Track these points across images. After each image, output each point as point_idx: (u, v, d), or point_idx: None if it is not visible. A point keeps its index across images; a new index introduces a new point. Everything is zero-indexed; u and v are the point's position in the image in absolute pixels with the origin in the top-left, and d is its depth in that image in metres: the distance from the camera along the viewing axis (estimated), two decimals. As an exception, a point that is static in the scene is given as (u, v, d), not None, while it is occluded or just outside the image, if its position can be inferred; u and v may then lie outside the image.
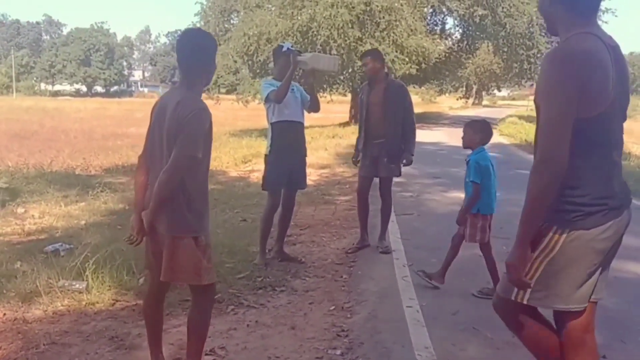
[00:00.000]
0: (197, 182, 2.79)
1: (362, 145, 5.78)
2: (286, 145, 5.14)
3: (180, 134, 2.67)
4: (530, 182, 2.13)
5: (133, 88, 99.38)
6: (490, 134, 4.56)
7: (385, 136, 5.60)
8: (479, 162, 4.40)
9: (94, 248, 4.76)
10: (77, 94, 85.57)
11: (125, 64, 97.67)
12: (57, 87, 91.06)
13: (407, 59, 24.89)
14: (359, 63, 24.79)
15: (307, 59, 5.17)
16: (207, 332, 3.07)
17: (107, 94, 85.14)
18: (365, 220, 5.96)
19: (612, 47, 2.12)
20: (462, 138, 4.57)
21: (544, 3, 2.26)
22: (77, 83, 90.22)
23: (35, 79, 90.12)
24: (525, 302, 2.29)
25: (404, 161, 5.69)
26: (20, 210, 7.11)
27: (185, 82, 2.85)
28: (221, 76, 29.04)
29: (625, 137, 2.32)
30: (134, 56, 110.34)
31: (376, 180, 5.88)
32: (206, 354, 3.40)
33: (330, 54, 23.45)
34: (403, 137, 5.65)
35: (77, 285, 4.25)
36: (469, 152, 4.56)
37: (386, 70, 5.86)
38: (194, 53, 2.84)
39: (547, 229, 2.18)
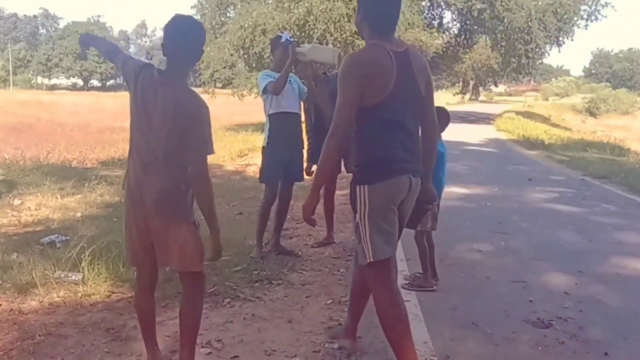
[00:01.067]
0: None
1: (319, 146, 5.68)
2: (283, 137, 5.11)
3: (190, 134, 2.66)
4: (324, 145, 2.82)
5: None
6: (446, 123, 4.51)
7: None
8: (439, 148, 4.37)
9: (90, 240, 4.74)
10: (74, 87, 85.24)
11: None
12: (54, 81, 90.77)
13: (404, 53, 24.77)
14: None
15: (306, 51, 5.12)
16: (200, 324, 3.03)
17: (103, 88, 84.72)
18: (331, 217, 5.99)
19: (398, 53, 2.78)
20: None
21: (357, 18, 2.95)
22: (73, 77, 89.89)
23: (32, 72, 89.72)
24: (372, 259, 2.84)
25: None
26: (16, 202, 7.09)
27: (177, 74, 2.77)
28: (217, 70, 28.96)
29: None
30: (131, 50, 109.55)
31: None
32: (202, 347, 3.39)
33: (327, 43, 23.36)
34: None
35: (73, 277, 4.24)
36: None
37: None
38: (190, 44, 2.76)
39: (354, 189, 2.86)
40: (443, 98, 57.27)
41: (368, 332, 3.67)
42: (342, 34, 23.49)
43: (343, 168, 5.79)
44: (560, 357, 3.41)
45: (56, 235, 5.30)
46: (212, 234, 2.78)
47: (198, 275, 2.91)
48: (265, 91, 5.03)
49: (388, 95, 2.75)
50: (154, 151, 2.74)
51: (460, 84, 61.98)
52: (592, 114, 48.54)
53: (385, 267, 2.91)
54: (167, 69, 2.78)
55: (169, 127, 2.67)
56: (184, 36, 2.75)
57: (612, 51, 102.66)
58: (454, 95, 62.78)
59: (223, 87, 34.03)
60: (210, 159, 4.03)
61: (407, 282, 4.59)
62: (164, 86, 2.73)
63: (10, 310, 3.76)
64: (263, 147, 5.25)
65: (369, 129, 2.80)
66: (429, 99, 2.94)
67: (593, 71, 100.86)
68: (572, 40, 31.67)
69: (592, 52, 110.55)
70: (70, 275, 4.26)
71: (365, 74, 2.74)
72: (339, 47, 22.55)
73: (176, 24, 2.75)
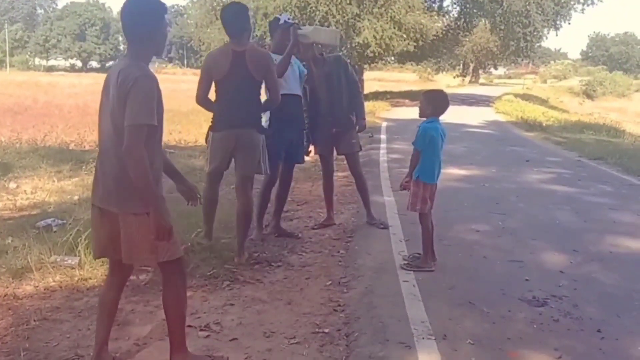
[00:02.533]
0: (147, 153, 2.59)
1: (312, 127, 5.60)
2: (284, 119, 5.04)
3: (126, 105, 2.53)
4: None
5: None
6: (443, 107, 4.49)
7: (335, 112, 5.54)
8: (427, 131, 4.40)
9: (87, 223, 4.64)
10: (72, 69, 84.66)
11: (121, 39, 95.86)
12: (52, 62, 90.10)
13: (404, 36, 24.76)
14: (357, 39, 24.79)
15: (308, 32, 5.06)
16: (185, 310, 2.95)
17: (102, 69, 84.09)
18: (331, 198, 5.97)
19: (236, 52, 4.38)
20: (419, 107, 4.58)
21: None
22: (72, 58, 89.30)
23: (29, 53, 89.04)
24: (207, 171, 4.78)
25: (357, 127, 5.65)
26: (12, 185, 6.99)
27: (130, 51, 2.71)
28: (217, 51, 28.79)
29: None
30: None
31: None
32: (201, 329, 3.40)
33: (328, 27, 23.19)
34: (351, 107, 5.62)
35: (70, 261, 4.19)
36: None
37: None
38: (135, 18, 2.69)
39: (208, 133, 4.66)
40: (444, 81, 57.39)
41: (367, 312, 3.68)
42: (343, 16, 23.33)
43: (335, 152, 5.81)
44: (554, 335, 3.43)
45: (52, 219, 5.21)
46: (151, 213, 2.62)
47: (175, 261, 2.79)
48: None
49: (224, 76, 4.40)
50: (106, 133, 2.68)
51: (461, 66, 62.14)
52: (589, 96, 49.33)
53: (213, 175, 4.71)
54: (126, 50, 2.77)
55: (115, 101, 2.58)
56: (132, 13, 2.70)
57: (608, 35, 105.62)
58: (454, 77, 62.95)
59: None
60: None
61: (405, 262, 4.57)
62: (116, 65, 2.73)
63: (5, 296, 3.71)
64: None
65: (217, 97, 4.52)
66: (267, 81, 4.54)
67: (590, 54, 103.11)
68: (569, 24, 32.20)
69: (589, 36, 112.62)
70: (66, 259, 4.21)
71: (210, 62, 4.52)
72: (340, 29, 22.38)
73: (127, 2, 2.70)
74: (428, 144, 4.39)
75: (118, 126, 2.58)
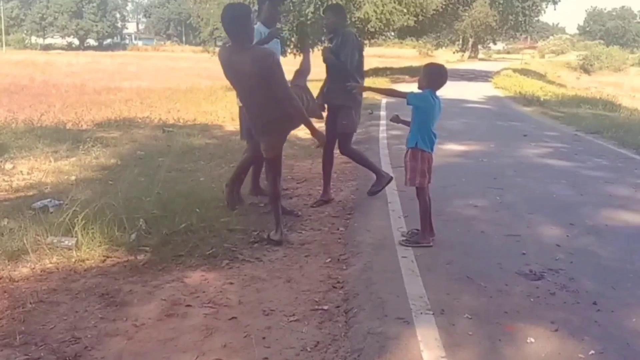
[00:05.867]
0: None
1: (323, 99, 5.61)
2: None
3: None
4: None
5: (127, 41, 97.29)
6: (438, 81, 4.43)
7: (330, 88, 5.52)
8: (419, 95, 4.42)
9: (84, 203, 4.63)
10: (69, 47, 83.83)
11: (118, 16, 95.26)
12: (49, 41, 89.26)
13: (405, 10, 24.54)
14: (357, 14, 24.49)
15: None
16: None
17: (100, 47, 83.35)
18: (328, 174, 5.94)
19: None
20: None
21: None
22: (69, 36, 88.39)
23: (25, 32, 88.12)
24: None
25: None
26: (8, 166, 6.90)
27: (237, 43, 4.14)
28: (217, 28, 28.45)
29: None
30: (128, 8, 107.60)
31: None
32: (199, 308, 3.40)
33: (328, 2, 22.94)
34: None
35: (67, 242, 4.15)
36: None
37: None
38: (234, 22, 4.10)
39: None
40: (443, 56, 57.10)
41: (366, 289, 3.68)
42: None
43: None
44: (550, 308, 3.45)
45: (49, 200, 5.17)
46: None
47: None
48: None
49: None
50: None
51: (460, 42, 61.89)
52: (586, 70, 49.75)
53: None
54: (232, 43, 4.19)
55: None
56: (231, 19, 4.13)
57: (605, 9, 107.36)
58: (453, 53, 62.68)
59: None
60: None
61: (404, 238, 4.56)
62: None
63: (1, 278, 3.68)
64: (240, 106, 5.26)
65: None
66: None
67: (587, 29, 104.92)
68: (567, -3, 32.14)
69: (586, 10, 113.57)
70: (63, 240, 4.18)
71: None
72: (341, 3, 22.09)
73: (226, 11, 4.16)
74: (424, 107, 4.38)
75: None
